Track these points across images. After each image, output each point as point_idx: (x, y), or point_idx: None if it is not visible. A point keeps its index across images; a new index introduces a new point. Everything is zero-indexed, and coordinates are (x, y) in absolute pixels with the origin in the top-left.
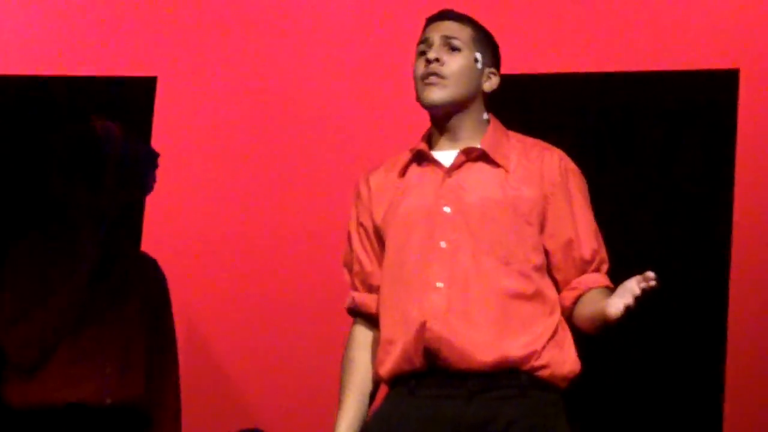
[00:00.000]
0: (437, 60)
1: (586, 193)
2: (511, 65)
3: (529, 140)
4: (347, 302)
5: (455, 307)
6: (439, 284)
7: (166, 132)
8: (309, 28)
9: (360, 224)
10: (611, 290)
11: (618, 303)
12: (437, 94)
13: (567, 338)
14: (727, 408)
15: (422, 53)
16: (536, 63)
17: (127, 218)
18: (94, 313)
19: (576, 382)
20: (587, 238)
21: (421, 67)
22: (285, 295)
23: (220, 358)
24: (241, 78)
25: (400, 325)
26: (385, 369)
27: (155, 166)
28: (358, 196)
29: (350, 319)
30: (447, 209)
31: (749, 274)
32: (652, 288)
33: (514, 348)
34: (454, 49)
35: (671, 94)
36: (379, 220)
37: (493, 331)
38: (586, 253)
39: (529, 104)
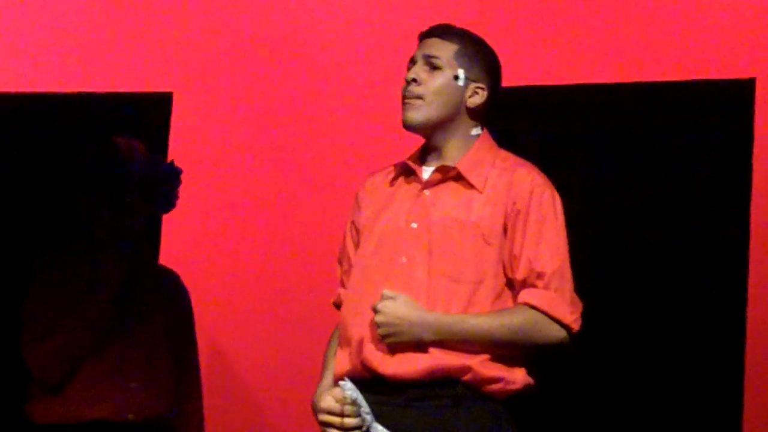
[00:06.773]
0: (414, 81)
1: (548, 211)
2: (531, 77)
3: (512, 159)
4: (335, 297)
5: None
6: None
7: (182, 147)
8: (327, 42)
9: (353, 223)
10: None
11: None
12: (411, 116)
13: (515, 356)
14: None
15: (408, 71)
16: (555, 75)
17: (149, 234)
18: (119, 329)
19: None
20: (528, 257)
21: (405, 88)
22: (306, 307)
23: (241, 370)
24: (256, 92)
25: (355, 328)
26: (337, 372)
27: (178, 182)
28: (356, 196)
29: None
30: (414, 225)
31: (767, 282)
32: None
33: (449, 361)
34: (435, 68)
35: (688, 103)
36: (362, 224)
37: (432, 344)
38: (521, 272)
39: (548, 115)
